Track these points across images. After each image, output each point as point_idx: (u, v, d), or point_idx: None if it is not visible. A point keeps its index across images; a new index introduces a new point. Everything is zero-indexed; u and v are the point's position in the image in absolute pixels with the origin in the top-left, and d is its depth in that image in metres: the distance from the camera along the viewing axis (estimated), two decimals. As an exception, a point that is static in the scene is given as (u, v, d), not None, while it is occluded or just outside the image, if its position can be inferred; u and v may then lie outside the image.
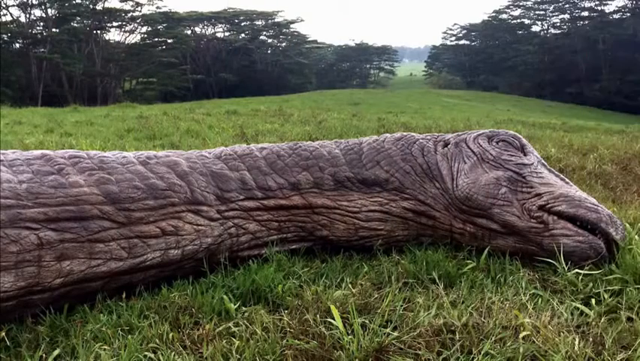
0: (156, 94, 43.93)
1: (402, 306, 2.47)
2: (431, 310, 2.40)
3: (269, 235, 3.14)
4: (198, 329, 2.34)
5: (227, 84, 50.25)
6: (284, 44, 60.37)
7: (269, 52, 58.84)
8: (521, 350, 2.08)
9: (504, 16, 60.55)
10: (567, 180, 3.28)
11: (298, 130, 9.73)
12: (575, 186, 3.23)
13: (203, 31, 56.25)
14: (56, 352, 2.20)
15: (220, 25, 56.56)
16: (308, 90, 45.10)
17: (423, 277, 2.83)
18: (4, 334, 2.29)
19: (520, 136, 3.47)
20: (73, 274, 2.49)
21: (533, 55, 54.02)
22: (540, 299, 2.56)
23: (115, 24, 46.85)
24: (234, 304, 2.53)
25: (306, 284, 2.79)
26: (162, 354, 2.14)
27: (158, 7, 48.32)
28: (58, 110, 16.77)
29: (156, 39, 48.82)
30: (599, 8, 51.03)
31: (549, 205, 2.98)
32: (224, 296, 2.57)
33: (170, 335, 2.29)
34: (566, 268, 2.78)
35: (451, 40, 67.69)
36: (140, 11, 46.77)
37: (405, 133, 3.65)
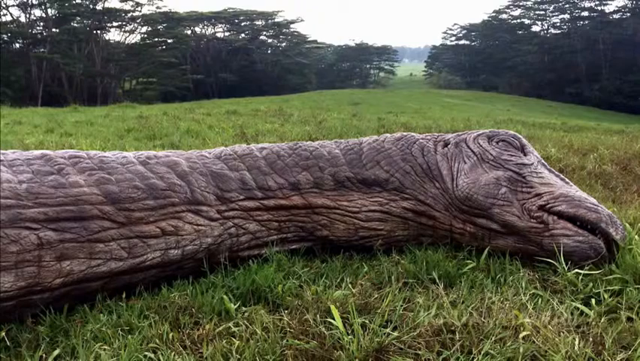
0: (156, 94, 43.93)
1: (402, 306, 2.47)
2: (431, 311, 2.40)
3: (269, 235, 3.14)
4: (198, 329, 2.34)
5: (227, 84, 50.26)
6: (284, 44, 60.41)
7: (269, 52, 58.88)
8: (521, 350, 2.08)
9: (504, 16, 60.60)
10: (567, 180, 3.28)
11: (298, 130, 9.73)
12: (575, 186, 3.23)
13: (203, 31, 56.28)
14: (56, 352, 2.20)
15: (220, 25, 56.60)
16: (308, 90, 45.10)
17: (423, 277, 2.83)
18: (4, 334, 2.29)
19: (520, 136, 3.46)
20: (74, 274, 2.49)
21: (533, 55, 54.03)
22: (540, 299, 2.56)
23: (115, 24, 46.90)
24: (234, 304, 2.53)
25: (306, 284, 2.79)
26: (162, 354, 2.14)
27: (158, 7, 48.44)
28: (58, 110, 16.77)
29: (156, 39, 48.85)
30: (599, 8, 51.05)
31: (549, 205, 2.98)
32: (224, 296, 2.57)
33: (170, 335, 2.29)
34: (566, 268, 2.78)
35: (451, 41, 67.73)
36: (140, 11, 46.89)
37: (405, 133, 3.65)
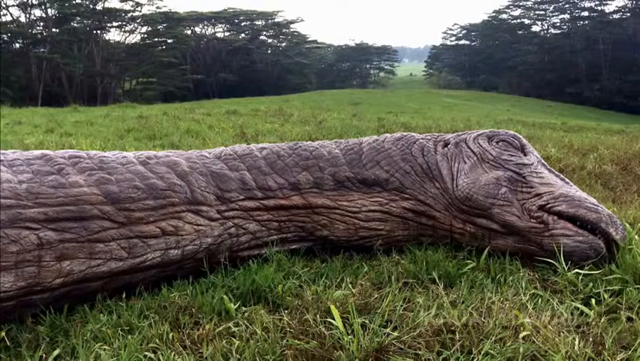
0: (156, 94, 43.94)
1: (402, 306, 2.47)
2: (431, 311, 2.40)
3: (269, 235, 3.14)
4: (198, 329, 2.34)
5: (227, 84, 50.25)
6: (284, 44, 60.39)
7: (269, 52, 58.85)
8: (521, 350, 2.08)
9: (504, 16, 60.60)
10: (567, 180, 3.28)
11: (298, 130, 9.73)
12: (575, 186, 3.23)
13: (203, 31, 56.28)
14: (56, 352, 2.20)
15: (220, 25, 56.60)
16: (308, 90, 45.11)
17: (423, 277, 2.83)
18: (4, 334, 2.29)
19: (520, 136, 3.46)
20: (73, 274, 2.49)
21: (533, 55, 54.02)
22: (540, 299, 2.56)
23: (115, 24, 46.88)
24: (234, 304, 2.53)
25: (306, 284, 2.79)
26: (162, 354, 2.14)
27: (158, 7, 48.42)
28: (58, 110, 16.77)
29: (156, 39, 48.85)
30: (599, 8, 51.06)
31: (549, 205, 2.98)
32: (224, 296, 2.57)
33: (170, 335, 2.29)
34: (566, 268, 2.78)
35: (451, 41, 67.73)
36: (140, 11, 46.88)
37: (405, 133, 3.65)
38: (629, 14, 48.61)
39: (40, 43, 42.13)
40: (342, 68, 70.65)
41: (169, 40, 49.02)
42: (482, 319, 2.32)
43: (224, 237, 2.98)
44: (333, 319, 2.26)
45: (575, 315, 2.39)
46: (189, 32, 53.53)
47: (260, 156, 3.30)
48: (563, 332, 2.22)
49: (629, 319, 2.35)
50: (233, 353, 2.14)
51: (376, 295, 2.62)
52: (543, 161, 3.39)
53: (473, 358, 2.09)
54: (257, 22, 57.75)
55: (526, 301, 2.52)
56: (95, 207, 2.61)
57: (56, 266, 2.44)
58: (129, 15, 46.41)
